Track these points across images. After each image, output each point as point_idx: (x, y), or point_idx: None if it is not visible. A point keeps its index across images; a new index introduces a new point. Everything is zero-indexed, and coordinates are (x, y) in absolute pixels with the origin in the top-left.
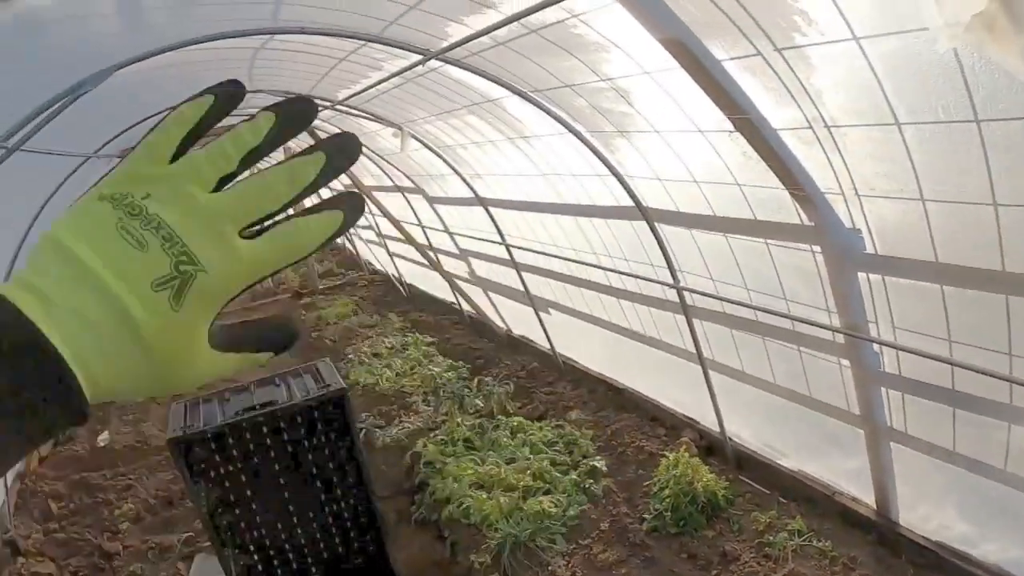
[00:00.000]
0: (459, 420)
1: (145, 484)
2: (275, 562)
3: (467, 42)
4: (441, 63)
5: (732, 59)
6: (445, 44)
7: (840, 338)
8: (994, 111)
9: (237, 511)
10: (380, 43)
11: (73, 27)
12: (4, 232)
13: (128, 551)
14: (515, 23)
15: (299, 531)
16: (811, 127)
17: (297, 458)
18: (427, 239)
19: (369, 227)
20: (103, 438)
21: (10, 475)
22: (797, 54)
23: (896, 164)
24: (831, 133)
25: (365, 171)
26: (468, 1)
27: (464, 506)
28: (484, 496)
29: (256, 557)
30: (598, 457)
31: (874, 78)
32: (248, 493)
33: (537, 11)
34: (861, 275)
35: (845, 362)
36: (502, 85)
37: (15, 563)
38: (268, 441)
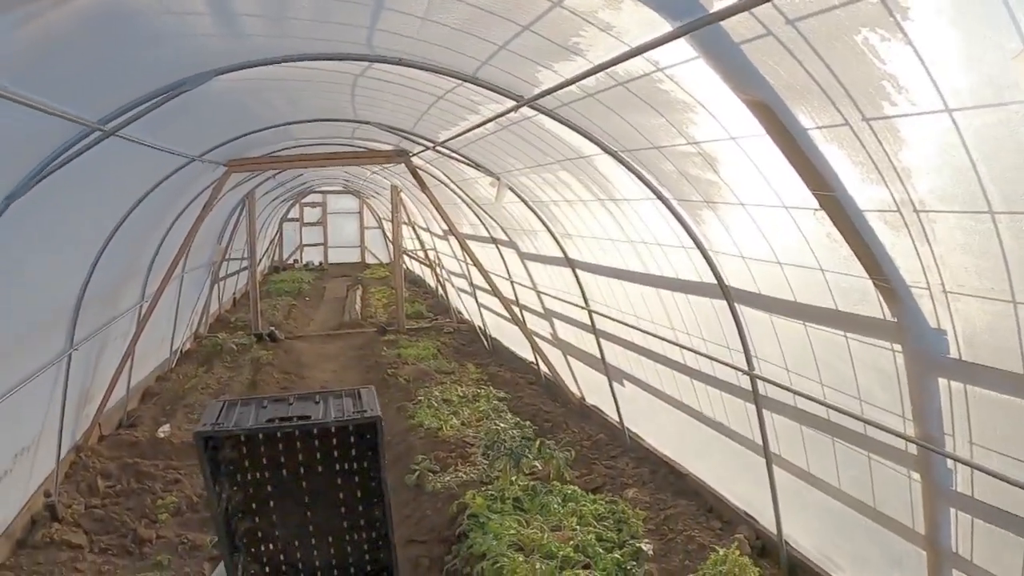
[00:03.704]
0: (513, 478)
1: (193, 482)
2: None
3: (557, 89)
4: (534, 112)
5: (818, 128)
6: (537, 91)
7: (912, 448)
8: None
9: (256, 519)
10: (474, 83)
11: (171, 23)
12: (93, 223)
13: (160, 541)
14: (602, 73)
15: (315, 552)
16: (899, 210)
17: (325, 480)
18: (515, 294)
19: (462, 275)
20: (164, 430)
21: (65, 446)
22: (886, 125)
23: (988, 259)
24: (919, 218)
25: (463, 218)
26: (556, 46)
27: (498, 565)
28: (521, 559)
29: (267, 569)
30: (646, 540)
31: (967, 157)
32: (270, 504)
33: (623, 61)
34: (942, 381)
35: (915, 475)
36: (592, 141)
37: (50, 528)
38: (300, 457)
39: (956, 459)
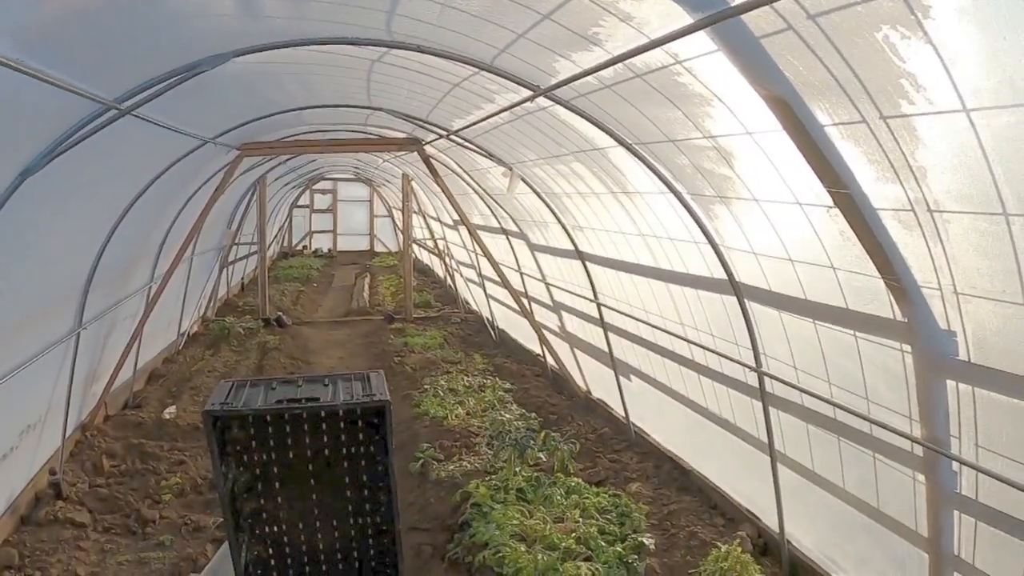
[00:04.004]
0: (517, 469)
1: (197, 463)
2: (288, 560)
3: (574, 80)
4: (550, 103)
5: (835, 124)
6: (554, 81)
7: (918, 450)
8: None
9: (262, 500)
10: (491, 72)
11: (189, 2)
12: (105, 202)
13: (163, 521)
14: (620, 64)
15: (319, 536)
16: (913, 210)
17: (332, 463)
18: (524, 286)
19: (471, 266)
20: (170, 411)
21: (71, 424)
22: (903, 124)
23: (1001, 261)
24: (933, 218)
25: (474, 208)
26: (575, 36)
27: (500, 555)
28: (523, 549)
29: (271, 551)
30: (648, 534)
31: (983, 158)
32: (277, 485)
33: (642, 52)
34: (950, 383)
35: (920, 477)
36: (607, 133)
37: (54, 505)
38: (307, 439)
39: (962, 462)
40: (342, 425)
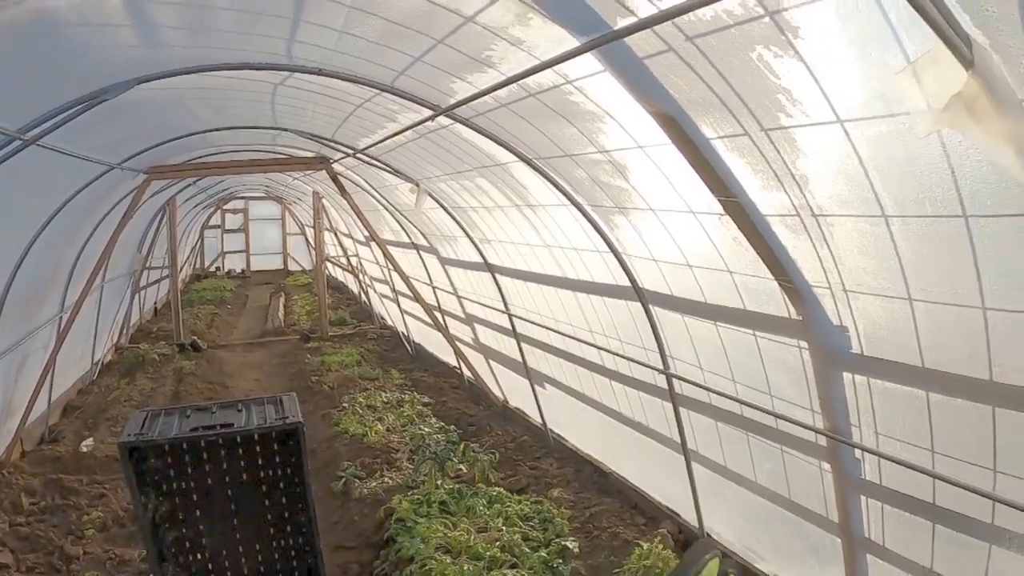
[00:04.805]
0: (439, 482)
1: (118, 495)
2: None
3: (472, 100)
4: (451, 121)
5: (720, 138)
6: (452, 101)
7: (822, 440)
8: (983, 206)
9: (184, 529)
10: (392, 93)
11: (91, 35)
12: (14, 230)
13: (88, 557)
14: (515, 84)
15: (243, 560)
16: (798, 215)
17: (251, 487)
18: (437, 300)
19: (385, 281)
20: (87, 444)
21: None
22: (783, 136)
23: (883, 259)
24: (818, 222)
25: (385, 224)
26: (469, 59)
27: (427, 567)
28: (448, 561)
29: None
30: (572, 538)
31: (859, 165)
32: (197, 513)
33: (534, 73)
34: (846, 376)
35: (827, 466)
36: (507, 149)
37: None
38: (224, 465)
39: (863, 449)
40: (258, 449)
